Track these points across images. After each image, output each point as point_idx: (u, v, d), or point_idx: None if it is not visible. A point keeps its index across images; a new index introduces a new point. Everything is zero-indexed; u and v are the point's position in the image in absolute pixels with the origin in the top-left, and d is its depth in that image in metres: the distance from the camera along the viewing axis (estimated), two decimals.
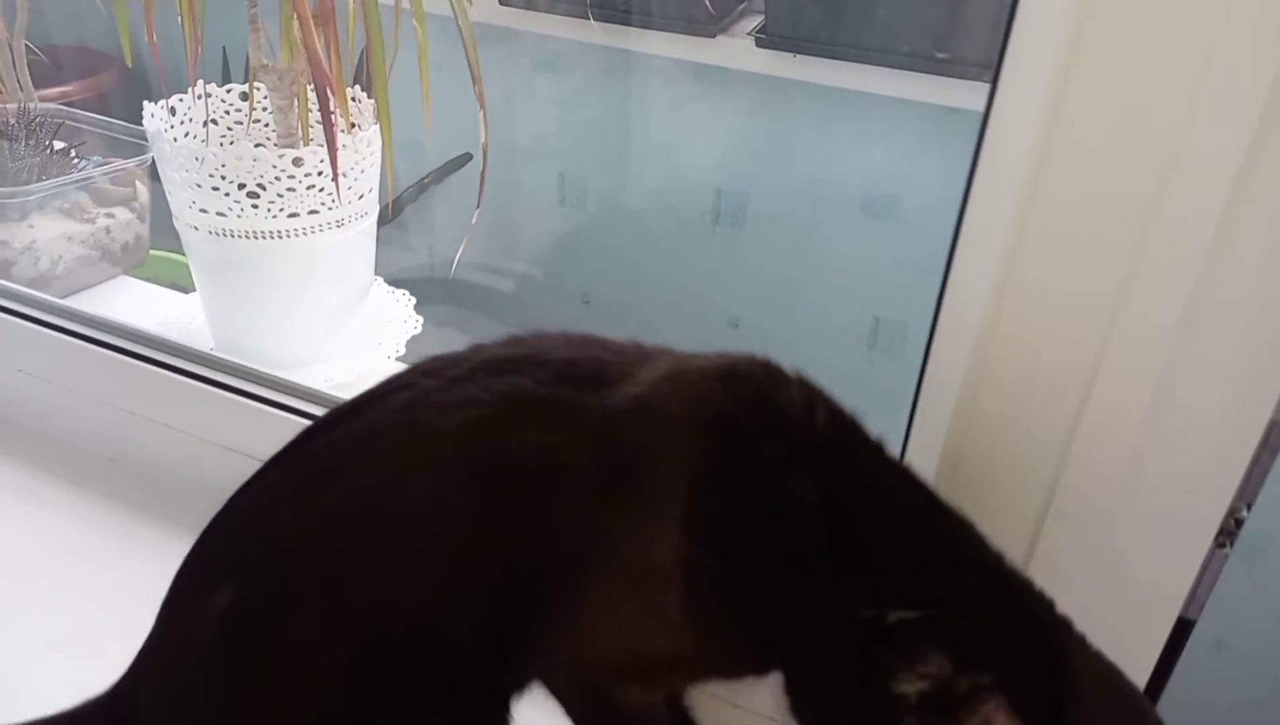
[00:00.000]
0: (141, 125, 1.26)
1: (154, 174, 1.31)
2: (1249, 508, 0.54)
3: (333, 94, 0.89)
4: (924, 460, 0.63)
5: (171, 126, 1.04)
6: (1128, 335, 0.52)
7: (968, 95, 1.49)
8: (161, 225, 1.32)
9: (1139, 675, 0.61)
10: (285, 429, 0.87)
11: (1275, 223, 0.47)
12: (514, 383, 0.50)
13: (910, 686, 0.45)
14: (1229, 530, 0.54)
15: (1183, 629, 0.58)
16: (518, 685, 0.55)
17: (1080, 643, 0.49)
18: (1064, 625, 0.49)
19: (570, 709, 0.58)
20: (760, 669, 0.55)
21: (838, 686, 0.49)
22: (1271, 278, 0.48)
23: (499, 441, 0.49)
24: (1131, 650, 0.60)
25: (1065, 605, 0.58)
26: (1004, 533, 0.58)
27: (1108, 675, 0.49)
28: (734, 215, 1.88)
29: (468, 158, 1.78)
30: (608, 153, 1.94)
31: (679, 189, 1.94)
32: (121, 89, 1.81)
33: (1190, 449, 0.53)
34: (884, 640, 0.46)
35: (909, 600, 0.47)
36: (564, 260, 2.02)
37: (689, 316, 1.89)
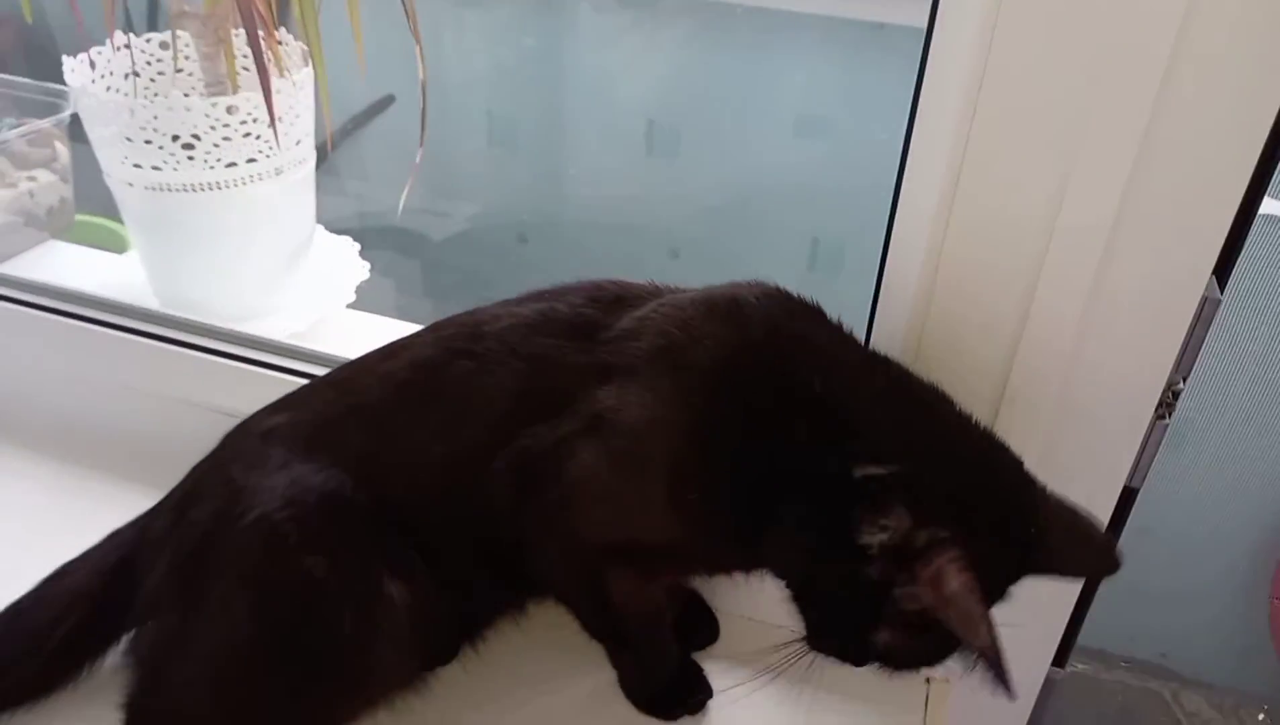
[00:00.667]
0: (49, 83, 1.21)
1: (71, 133, 1.26)
2: (1185, 380, 0.58)
3: (265, 36, 0.87)
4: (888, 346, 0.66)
5: (94, 81, 1.00)
6: (1066, 231, 0.55)
7: (893, 9, 1.51)
8: (81, 189, 1.28)
9: None
10: (244, 380, 0.88)
11: (1200, 111, 0.50)
12: (549, 304, 0.62)
13: (872, 537, 0.49)
14: (1167, 402, 0.59)
15: (1128, 497, 0.63)
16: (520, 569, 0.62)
17: (1044, 493, 0.54)
18: (1029, 481, 0.54)
19: (564, 591, 0.61)
20: (747, 563, 0.58)
21: (810, 541, 0.53)
22: (1197, 165, 0.51)
23: (528, 339, 0.60)
24: None
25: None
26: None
27: (1073, 520, 0.54)
28: (668, 144, 1.88)
29: (390, 100, 1.74)
30: (536, 89, 1.92)
31: (611, 121, 1.93)
32: (18, 48, 1.73)
33: (1128, 330, 0.57)
34: (852, 496, 0.50)
35: (874, 457, 0.51)
36: (497, 200, 2.00)
37: (629, 248, 1.90)
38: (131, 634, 0.65)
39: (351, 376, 0.66)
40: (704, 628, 0.76)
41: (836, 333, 0.60)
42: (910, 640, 0.52)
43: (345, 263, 1.16)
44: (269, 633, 0.58)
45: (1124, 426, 0.60)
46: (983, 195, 0.56)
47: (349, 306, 1.12)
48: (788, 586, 0.56)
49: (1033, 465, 0.63)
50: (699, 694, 0.70)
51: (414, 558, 0.60)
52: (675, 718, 0.69)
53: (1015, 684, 0.48)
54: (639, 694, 0.70)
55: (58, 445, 0.91)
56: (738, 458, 0.55)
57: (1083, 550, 0.55)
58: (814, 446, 0.53)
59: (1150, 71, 0.49)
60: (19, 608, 0.66)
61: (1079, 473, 0.62)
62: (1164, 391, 0.58)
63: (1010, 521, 0.51)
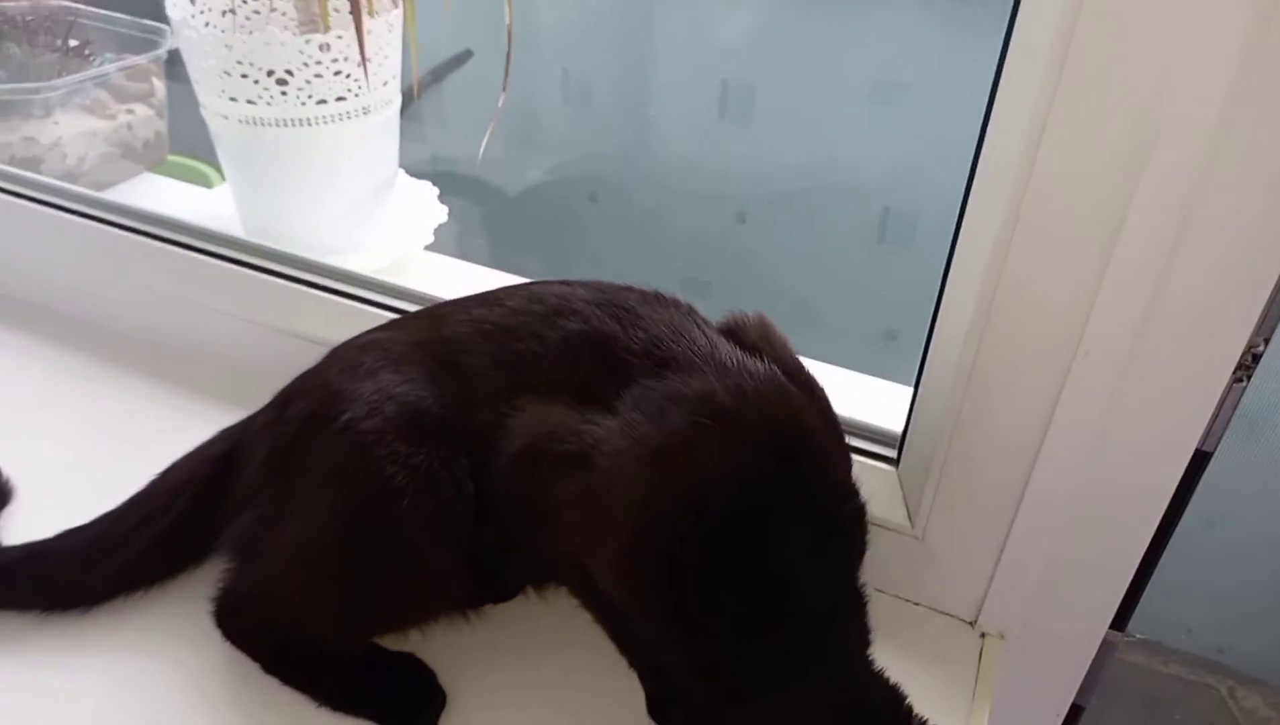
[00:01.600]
0: (147, 20, 1.26)
1: (168, 71, 1.31)
2: (1266, 342, 0.57)
3: None
4: (956, 320, 0.67)
5: (193, 16, 1.04)
6: (1149, 188, 0.55)
7: None
8: (173, 129, 1.33)
9: (1155, 509, 0.66)
10: (327, 310, 0.91)
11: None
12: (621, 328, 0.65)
13: None
14: (1246, 365, 0.58)
15: (1200, 461, 0.62)
16: None
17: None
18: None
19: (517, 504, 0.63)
20: None
21: None
22: None
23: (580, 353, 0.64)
24: (1151, 480, 0.65)
25: (1091, 437, 0.63)
26: (1034, 376, 0.63)
27: None
28: (741, 108, 1.87)
29: (468, 55, 1.76)
30: (612, 48, 1.92)
31: (685, 82, 1.92)
32: None
33: (1210, 284, 0.57)
34: None
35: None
36: (569, 157, 2.01)
37: (697, 212, 1.90)
38: (228, 527, 0.69)
39: (448, 312, 0.70)
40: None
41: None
42: None
43: (425, 206, 1.19)
44: (349, 530, 0.62)
45: (1200, 386, 0.59)
46: (1065, 153, 0.56)
47: (427, 248, 1.15)
48: None
49: (1102, 423, 0.63)
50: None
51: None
52: None
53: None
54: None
55: (152, 363, 0.96)
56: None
57: None
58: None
59: (1235, 37, 0.48)
60: (137, 497, 0.72)
61: (1151, 431, 0.62)
62: (1244, 352, 0.57)
63: None
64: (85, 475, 0.74)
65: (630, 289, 0.68)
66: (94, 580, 0.70)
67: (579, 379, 0.62)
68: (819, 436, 0.61)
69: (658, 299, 0.68)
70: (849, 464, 0.67)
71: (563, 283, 0.70)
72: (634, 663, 0.66)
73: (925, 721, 0.56)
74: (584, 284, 0.69)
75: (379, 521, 0.62)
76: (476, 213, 1.88)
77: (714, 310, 1.03)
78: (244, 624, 0.68)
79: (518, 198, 1.95)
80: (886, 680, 0.58)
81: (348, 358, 0.69)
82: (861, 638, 0.59)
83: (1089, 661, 0.74)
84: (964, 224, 0.66)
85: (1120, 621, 0.73)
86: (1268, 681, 1.67)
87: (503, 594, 0.73)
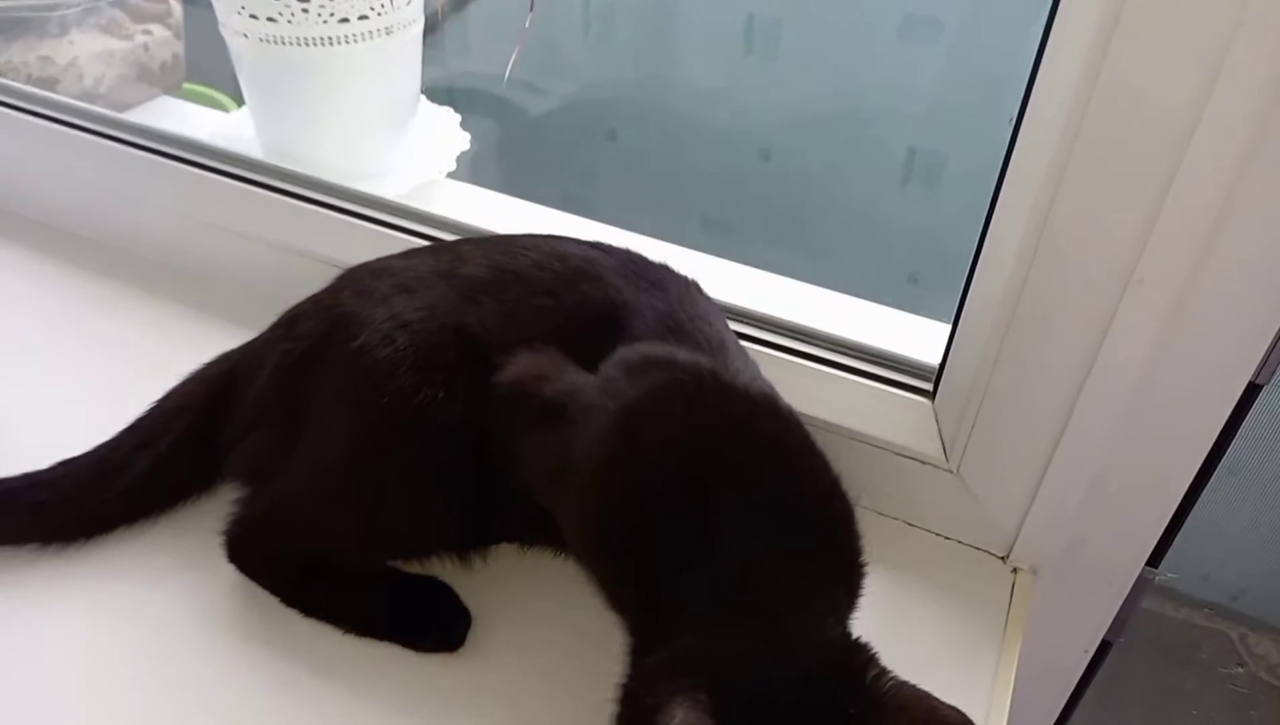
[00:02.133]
0: None
1: None
2: None
3: None
4: (1003, 246, 0.65)
5: None
6: (1217, 112, 0.52)
7: None
8: (191, 59, 1.30)
9: (1202, 443, 0.65)
10: (344, 232, 0.89)
11: None
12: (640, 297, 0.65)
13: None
14: None
15: (1250, 393, 0.61)
16: None
17: (882, 680, 0.49)
18: (857, 669, 0.50)
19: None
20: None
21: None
22: None
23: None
24: (1200, 413, 0.63)
25: (1140, 368, 0.62)
26: (1086, 301, 0.61)
27: (922, 706, 0.48)
28: (767, 42, 1.83)
29: None
30: None
31: (710, 14, 1.87)
32: None
33: (1275, 215, 0.54)
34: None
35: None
36: (589, 87, 1.97)
37: (720, 149, 1.87)
38: (233, 452, 0.68)
39: (469, 252, 0.69)
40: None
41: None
42: None
43: (447, 132, 1.16)
44: (360, 452, 0.62)
45: (1259, 314, 0.57)
46: (1132, 68, 0.53)
47: (449, 175, 1.13)
48: None
49: (1152, 353, 0.62)
50: None
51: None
52: None
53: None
54: None
55: (168, 286, 0.94)
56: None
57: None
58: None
59: None
60: (133, 424, 0.70)
61: (1204, 362, 0.60)
62: None
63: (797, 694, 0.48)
64: (97, 401, 0.73)
65: (658, 265, 0.68)
66: (93, 508, 0.68)
67: (586, 346, 0.62)
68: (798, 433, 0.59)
69: (670, 275, 0.68)
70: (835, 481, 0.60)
71: (592, 245, 0.69)
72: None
73: (885, 677, 0.50)
74: (610, 251, 0.68)
75: (388, 450, 0.61)
76: (496, 140, 1.85)
77: (734, 252, 1.01)
78: (258, 552, 0.66)
79: (536, 128, 1.92)
80: (836, 642, 0.52)
81: (362, 281, 0.68)
82: (820, 604, 0.54)
83: (1123, 597, 0.73)
84: (1017, 145, 0.63)
85: (1155, 558, 0.72)
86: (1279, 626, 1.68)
87: (507, 536, 0.70)
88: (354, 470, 0.63)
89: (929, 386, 0.76)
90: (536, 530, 0.69)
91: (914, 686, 0.49)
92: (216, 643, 0.64)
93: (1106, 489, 0.69)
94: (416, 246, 0.76)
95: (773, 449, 0.57)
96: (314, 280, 0.71)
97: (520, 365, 0.61)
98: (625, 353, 0.60)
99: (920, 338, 0.80)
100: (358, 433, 0.62)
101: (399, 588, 0.66)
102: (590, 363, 0.60)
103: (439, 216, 0.90)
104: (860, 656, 0.51)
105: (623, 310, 0.64)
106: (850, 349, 0.79)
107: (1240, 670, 1.63)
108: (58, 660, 0.62)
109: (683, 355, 0.59)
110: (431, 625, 0.65)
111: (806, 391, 0.66)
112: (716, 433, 0.56)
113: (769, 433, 0.58)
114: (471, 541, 0.68)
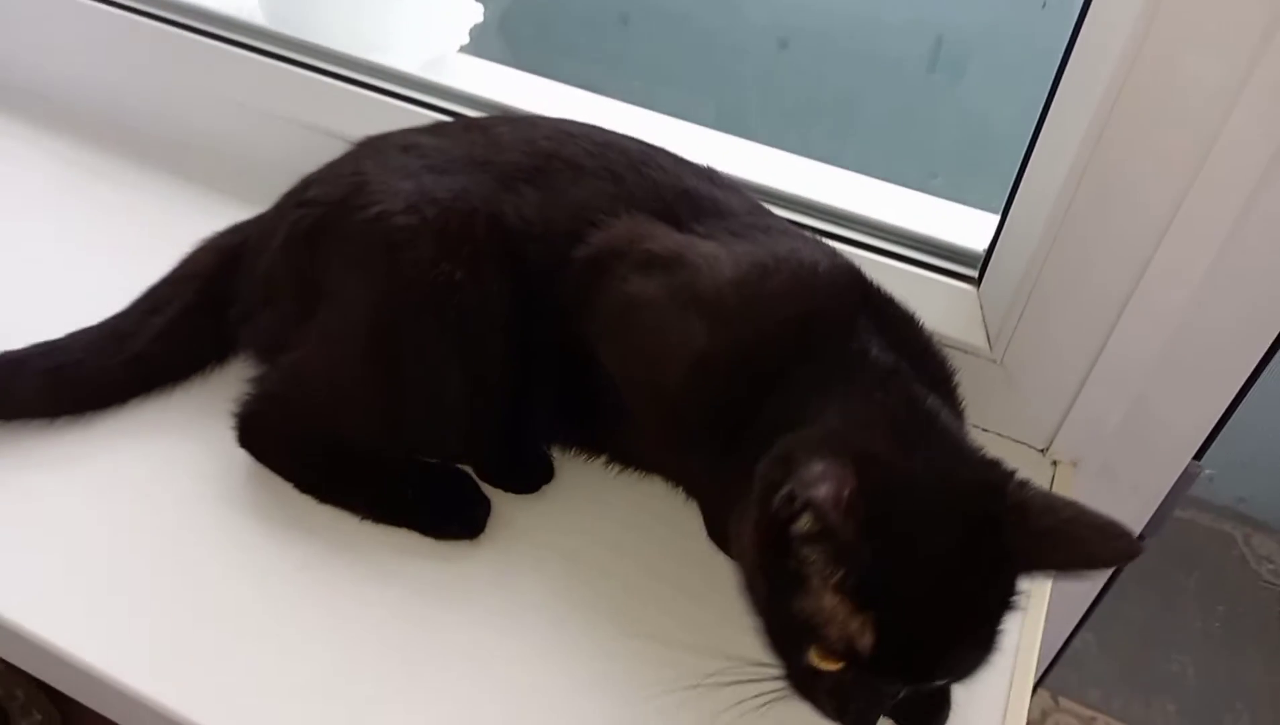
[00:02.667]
0: None
1: None
2: None
3: None
4: (1066, 130, 0.61)
5: None
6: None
7: None
8: None
9: (1260, 338, 0.62)
10: (353, 104, 0.84)
11: None
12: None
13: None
14: None
15: None
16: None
17: (1025, 487, 0.48)
18: (1003, 475, 0.49)
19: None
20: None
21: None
22: None
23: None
24: (1264, 310, 0.61)
25: (1204, 259, 0.59)
26: (1153, 189, 0.58)
27: (1076, 513, 0.47)
28: None
29: None
30: None
31: None
32: None
33: None
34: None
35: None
36: None
37: (734, 36, 1.79)
38: (246, 326, 0.66)
39: (504, 134, 0.65)
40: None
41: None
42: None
43: (458, 2, 1.10)
44: (377, 326, 0.59)
45: None
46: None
47: (461, 50, 1.06)
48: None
49: (1206, 267, 0.59)
50: None
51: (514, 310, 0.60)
52: None
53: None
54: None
55: (169, 159, 0.90)
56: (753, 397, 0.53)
57: (1081, 543, 0.46)
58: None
59: None
60: (145, 292, 0.68)
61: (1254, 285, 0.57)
62: None
63: (949, 494, 0.47)
64: (96, 274, 0.71)
65: (705, 167, 0.66)
66: (104, 375, 0.65)
67: (672, 214, 0.59)
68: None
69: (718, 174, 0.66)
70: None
71: (639, 142, 0.65)
72: (691, 492, 0.63)
73: (1029, 485, 0.48)
74: (661, 149, 0.65)
75: (405, 325, 0.58)
76: (503, 14, 1.76)
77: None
78: (270, 436, 0.63)
79: (545, 10, 1.83)
80: (977, 454, 0.51)
81: (384, 153, 0.64)
82: (957, 425, 0.54)
83: (1165, 492, 0.71)
84: (1084, 24, 0.59)
85: (1200, 452, 0.70)
86: None
87: (532, 478, 0.66)
88: (368, 345, 0.59)
89: (974, 272, 0.73)
90: (576, 433, 0.66)
91: (1058, 494, 0.48)
92: (230, 523, 0.62)
93: (1155, 386, 0.66)
94: (441, 122, 0.72)
95: (891, 306, 0.58)
96: (319, 153, 0.68)
97: (618, 229, 0.58)
98: (736, 226, 0.60)
99: (963, 224, 0.76)
100: (372, 304, 0.59)
101: (417, 474, 0.64)
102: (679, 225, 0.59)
103: (456, 90, 0.86)
104: (1001, 468, 0.49)
105: (698, 198, 0.61)
106: (892, 234, 0.76)
107: (1245, 571, 1.65)
108: (70, 534, 0.61)
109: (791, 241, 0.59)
110: (451, 512, 0.63)
111: None
112: (849, 285, 0.58)
113: (883, 295, 0.59)
114: (502, 452, 0.65)
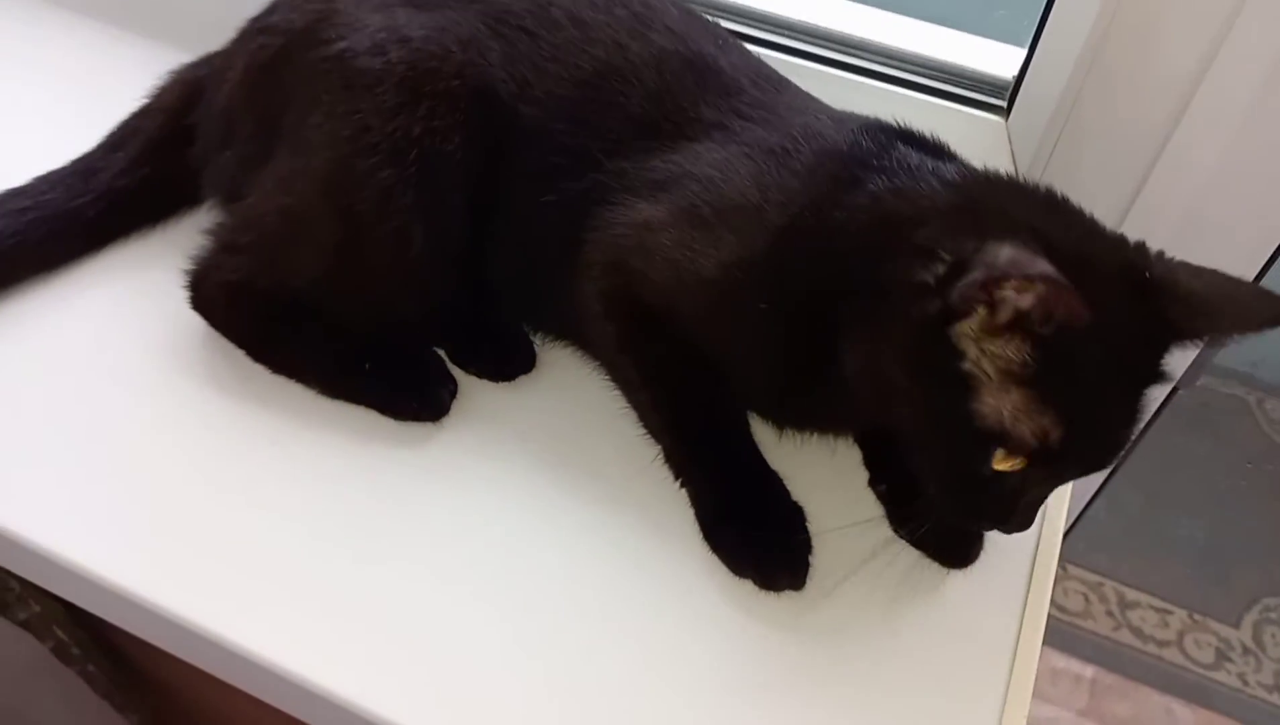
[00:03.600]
0: None
1: None
2: None
3: None
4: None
5: None
6: None
7: None
8: None
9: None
10: None
11: None
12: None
13: (927, 272, 0.44)
14: None
15: None
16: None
17: (1162, 257, 0.47)
18: (1137, 246, 0.47)
19: (591, 303, 0.55)
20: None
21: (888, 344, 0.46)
22: None
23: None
24: None
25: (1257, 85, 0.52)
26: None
27: (1213, 278, 0.47)
28: None
29: None
30: None
31: None
32: None
33: None
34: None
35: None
36: None
37: None
38: (206, 168, 0.61)
39: None
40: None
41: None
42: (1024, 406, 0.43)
43: None
44: (334, 174, 0.53)
45: None
46: None
47: None
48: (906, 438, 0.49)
49: (1249, 103, 0.53)
50: (789, 538, 0.52)
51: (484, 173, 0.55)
52: (748, 566, 0.52)
53: None
54: (703, 517, 0.54)
55: (124, 12, 0.83)
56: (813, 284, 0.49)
57: (1234, 303, 0.46)
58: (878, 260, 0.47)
59: None
60: (113, 129, 0.64)
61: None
62: None
63: (1107, 262, 0.45)
64: (56, 127, 0.65)
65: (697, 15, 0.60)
66: (73, 215, 0.61)
67: (672, 109, 0.54)
68: None
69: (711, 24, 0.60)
70: None
71: None
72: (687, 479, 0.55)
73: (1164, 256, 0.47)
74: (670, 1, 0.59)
75: (363, 174, 0.52)
76: None
77: None
78: (224, 293, 0.57)
79: None
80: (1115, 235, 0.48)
81: None
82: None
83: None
84: None
85: None
86: None
87: (507, 365, 0.60)
88: (324, 193, 0.54)
89: (1002, 102, 0.67)
90: (551, 319, 0.61)
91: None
92: (182, 393, 0.57)
93: (1192, 227, 0.61)
94: None
95: (925, 142, 0.54)
96: None
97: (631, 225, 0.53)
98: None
99: (989, 55, 0.70)
100: (329, 149, 0.53)
101: (379, 349, 0.58)
102: (682, 120, 0.54)
103: None
104: (1133, 242, 0.47)
105: (703, 71, 0.55)
106: (913, 63, 0.69)
107: (1257, 435, 1.63)
108: (12, 410, 0.56)
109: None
110: (413, 392, 0.57)
111: (868, 111, 0.57)
112: (877, 131, 0.53)
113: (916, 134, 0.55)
114: (473, 332, 0.60)
